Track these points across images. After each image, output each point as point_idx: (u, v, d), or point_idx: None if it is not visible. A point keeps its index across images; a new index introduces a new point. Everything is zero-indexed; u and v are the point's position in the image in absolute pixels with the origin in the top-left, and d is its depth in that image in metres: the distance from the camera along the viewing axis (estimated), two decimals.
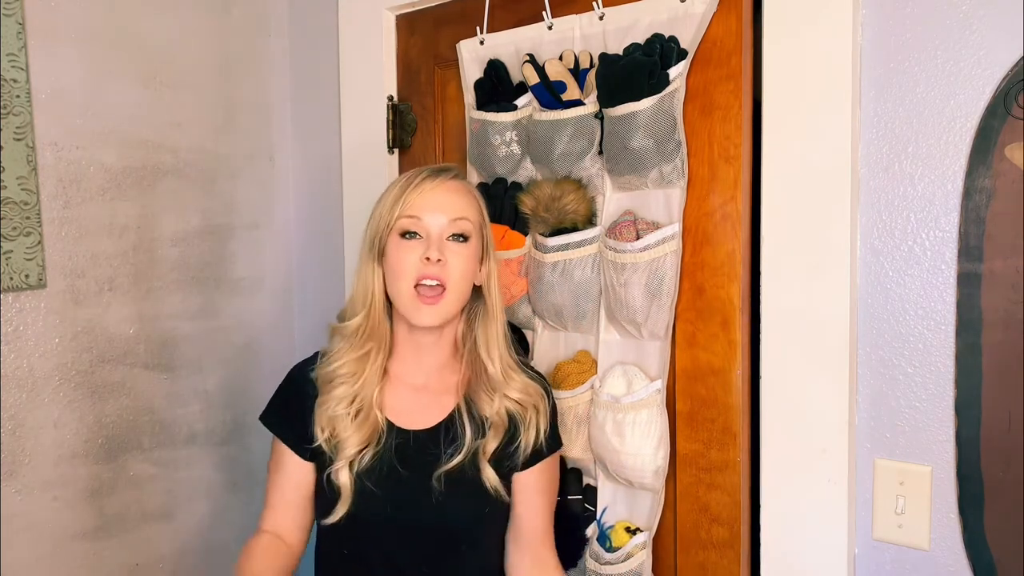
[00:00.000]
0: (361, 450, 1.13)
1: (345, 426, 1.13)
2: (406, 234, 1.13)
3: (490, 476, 1.15)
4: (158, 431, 1.56)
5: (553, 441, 1.23)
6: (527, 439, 1.18)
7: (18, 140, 1.32)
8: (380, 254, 1.16)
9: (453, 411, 1.18)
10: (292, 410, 1.19)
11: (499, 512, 1.20)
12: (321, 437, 1.14)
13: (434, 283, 1.12)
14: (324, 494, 1.15)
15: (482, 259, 1.19)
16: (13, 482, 1.33)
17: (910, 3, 1.10)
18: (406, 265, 1.12)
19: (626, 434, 1.25)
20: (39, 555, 1.37)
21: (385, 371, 1.19)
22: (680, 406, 1.28)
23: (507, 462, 1.18)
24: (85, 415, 1.43)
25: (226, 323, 1.70)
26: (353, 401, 1.14)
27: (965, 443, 1.08)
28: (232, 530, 1.71)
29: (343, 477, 1.12)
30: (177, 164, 1.59)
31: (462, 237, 1.14)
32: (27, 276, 1.34)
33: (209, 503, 1.67)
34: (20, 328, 1.34)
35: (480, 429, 1.17)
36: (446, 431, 1.17)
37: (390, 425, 1.16)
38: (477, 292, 1.20)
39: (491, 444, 1.16)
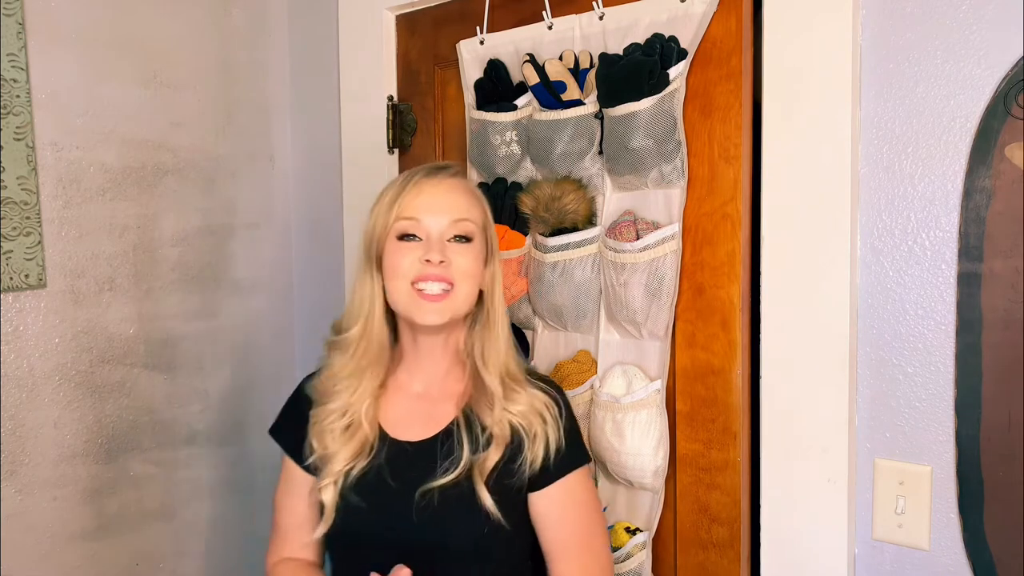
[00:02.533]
0: (349, 465, 1.09)
1: (334, 439, 1.10)
2: (404, 236, 1.07)
3: (485, 497, 1.04)
4: (158, 431, 1.56)
5: (572, 458, 1.10)
6: (534, 453, 1.07)
7: (18, 140, 1.32)
8: (378, 261, 1.10)
9: (452, 423, 1.10)
10: (296, 424, 1.16)
11: (504, 530, 1.06)
12: (314, 454, 1.11)
13: (440, 287, 1.05)
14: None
15: (486, 261, 1.11)
16: (13, 482, 1.33)
17: (910, 3, 1.10)
18: (403, 265, 1.06)
19: (626, 434, 1.25)
20: (39, 555, 1.37)
21: (386, 382, 1.15)
22: (680, 406, 1.28)
23: (509, 479, 1.07)
24: (85, 415, 1.43)
25: (226, 323, 1.70)
26: (345, 414, 1.11)
27: (965, 443, 1.08)
28: (232, 530, 1.71)
29: (328, 494, 1.09)
30: (177, 164, 1.59)
31: (465, 239, 1.08)
32: (27, 276, 1.34)
33: (209, 503, 1.67)
34: (20, 328, 1.34)
35: (478, 444, 1.08)
36: (443, 444, 1.09)
37: (384, 436, 1.11)
38: (479, 298, 1.13)
39: (491, 459, 1.06)
